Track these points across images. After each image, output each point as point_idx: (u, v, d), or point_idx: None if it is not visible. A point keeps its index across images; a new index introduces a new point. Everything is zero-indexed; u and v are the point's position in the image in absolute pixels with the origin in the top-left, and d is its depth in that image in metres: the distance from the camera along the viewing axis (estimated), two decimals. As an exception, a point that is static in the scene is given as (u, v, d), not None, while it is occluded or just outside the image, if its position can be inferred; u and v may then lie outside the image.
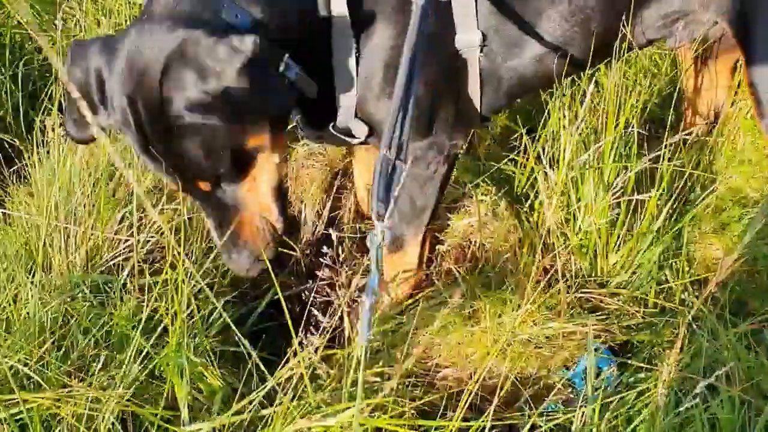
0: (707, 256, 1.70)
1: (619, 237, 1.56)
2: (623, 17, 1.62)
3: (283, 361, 1.26)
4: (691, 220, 1.70)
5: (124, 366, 1.26)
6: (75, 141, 1.45)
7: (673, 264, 1.59)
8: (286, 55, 1.34)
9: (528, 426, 1.14)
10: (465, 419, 1.14)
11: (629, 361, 1.41)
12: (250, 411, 1.18)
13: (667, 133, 1.61)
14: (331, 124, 1.55)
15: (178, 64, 1.25)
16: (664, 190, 1.58)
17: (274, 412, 1.18)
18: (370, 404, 1.18)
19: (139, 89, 1.27)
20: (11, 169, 2.02)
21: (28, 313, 1.40)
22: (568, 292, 1.48)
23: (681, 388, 1.33)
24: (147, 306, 1.35)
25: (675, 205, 1.63)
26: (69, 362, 1.33)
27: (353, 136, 1.58)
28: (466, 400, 1.08)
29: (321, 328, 1.31)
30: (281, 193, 1.45)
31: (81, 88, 1.31)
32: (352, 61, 1.47)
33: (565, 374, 1.44)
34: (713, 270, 1.61)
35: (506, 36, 1.58)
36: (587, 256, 1.57)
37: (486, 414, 1.11)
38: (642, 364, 1.37)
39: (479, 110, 1.66)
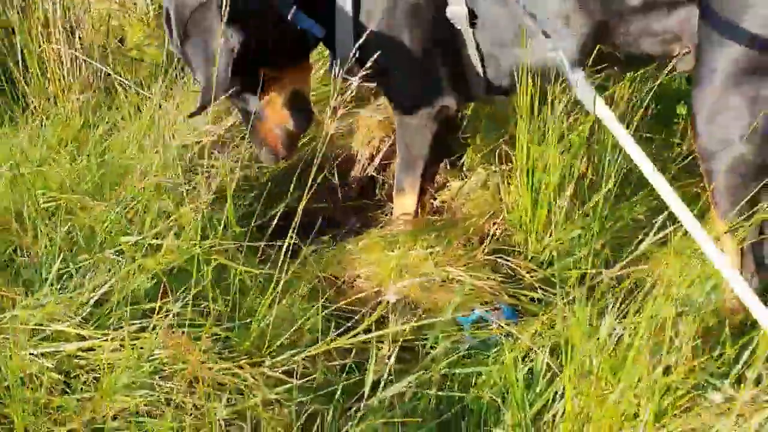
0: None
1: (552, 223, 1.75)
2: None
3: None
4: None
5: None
6: None
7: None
8: (294, 7, 1.76)
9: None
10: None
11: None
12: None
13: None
14: (330, 62, 1.93)
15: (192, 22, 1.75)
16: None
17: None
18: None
19: (179, 21, 1.76)
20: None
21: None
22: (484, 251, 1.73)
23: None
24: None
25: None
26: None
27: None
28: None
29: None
30: (296, 106, 1.88)
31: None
32: (349, 7, 1.81)
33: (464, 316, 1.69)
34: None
35: (494, 19, 1.78)
36: (522, 231, 1.78)
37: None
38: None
39: (483, 81, 1.87)
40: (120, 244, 1.64)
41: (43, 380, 1.42)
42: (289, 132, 1.92)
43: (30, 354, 1.44)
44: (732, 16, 1.58)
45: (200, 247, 1.61)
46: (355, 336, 1.46)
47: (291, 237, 1.61)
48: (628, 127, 1.58)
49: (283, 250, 1.55)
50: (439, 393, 1.47)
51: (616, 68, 1.89)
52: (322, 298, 1.60)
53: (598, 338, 1.35)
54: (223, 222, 1.68)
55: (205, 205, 1.77)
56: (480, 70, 1.87)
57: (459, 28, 1.81)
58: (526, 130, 1.73)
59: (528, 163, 1.73)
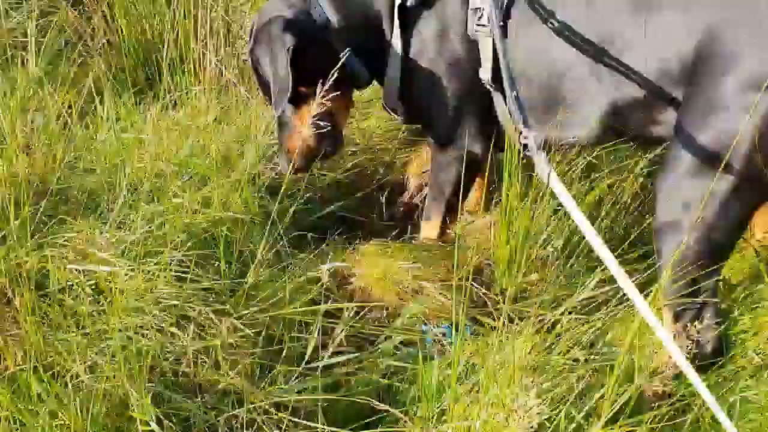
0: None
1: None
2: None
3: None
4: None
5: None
6: None
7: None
8: (348, 50, 2.09)
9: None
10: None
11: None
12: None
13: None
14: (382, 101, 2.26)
15: (260, 32, 2.13)
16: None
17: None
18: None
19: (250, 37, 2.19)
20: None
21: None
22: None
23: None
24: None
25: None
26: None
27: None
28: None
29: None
30: (326, 129, 2.09)
31: None
32: (399, 50, 2.12)
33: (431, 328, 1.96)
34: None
35: None
36: (499, 269, 2.02)
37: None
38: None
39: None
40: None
41: (78, 292, 1.86)
42: (309, 148, 2.18)
43: (74, 269, 1.89)
44: (700, 115, 1.77)
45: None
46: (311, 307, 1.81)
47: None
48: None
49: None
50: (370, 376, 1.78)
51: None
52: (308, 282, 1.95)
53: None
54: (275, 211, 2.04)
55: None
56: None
57: (489, 89, 2.10)
58: (507, 190, 1.98)
59: (507, 217, 1.99)
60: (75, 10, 3.08)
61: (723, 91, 1.74)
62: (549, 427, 1.53)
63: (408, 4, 2.08)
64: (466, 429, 1.55)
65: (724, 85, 1.74)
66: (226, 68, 2.93)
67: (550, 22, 1.94)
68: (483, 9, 1.98)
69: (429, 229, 2.31)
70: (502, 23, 1.94)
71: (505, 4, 1.98)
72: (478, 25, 2.00)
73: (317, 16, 2.14)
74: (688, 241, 1.75)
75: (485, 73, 2.05)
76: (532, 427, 1.45)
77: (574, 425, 1.55)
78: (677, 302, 1.80)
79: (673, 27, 1.82)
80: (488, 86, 2.07)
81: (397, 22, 2.11)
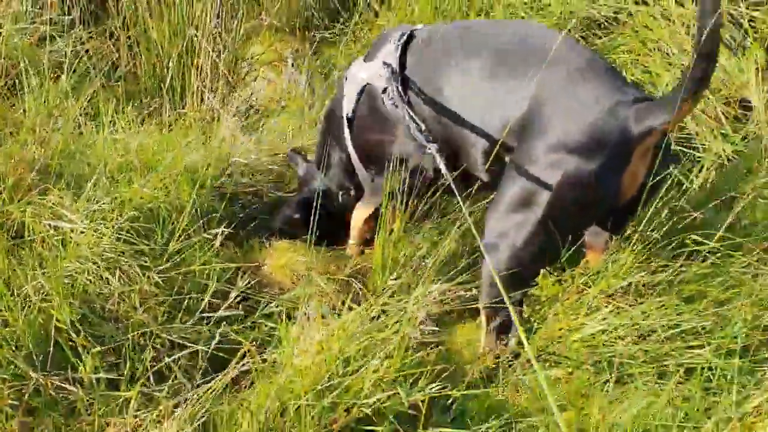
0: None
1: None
2: None
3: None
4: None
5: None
6: None
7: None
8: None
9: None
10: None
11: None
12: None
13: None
14: None
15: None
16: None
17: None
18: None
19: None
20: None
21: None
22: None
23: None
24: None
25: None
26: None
27: None
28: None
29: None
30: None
31: None
32: None
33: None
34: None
35: None
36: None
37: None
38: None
39: None
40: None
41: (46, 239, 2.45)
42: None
43: (47, 223, 2.47)
44: (519, 165, 2.26)
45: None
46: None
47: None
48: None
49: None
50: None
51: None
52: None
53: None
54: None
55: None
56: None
57: None
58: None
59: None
60: (106, 40, 3.75)
61: (536, 148, 2.20)
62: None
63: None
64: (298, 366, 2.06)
65: (538, 145, 2.20)
66: (215, 103, 3.57)
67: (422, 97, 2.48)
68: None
69: (350, 248, 2.86)
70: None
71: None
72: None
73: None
74: (503, 260, 2.24)
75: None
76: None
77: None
78: (492, 308, 2.28)
79: (511, 96, 2.30)
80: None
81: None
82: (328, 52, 3.99)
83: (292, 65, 4.13)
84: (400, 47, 2.54)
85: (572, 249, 2.21)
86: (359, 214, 2.81)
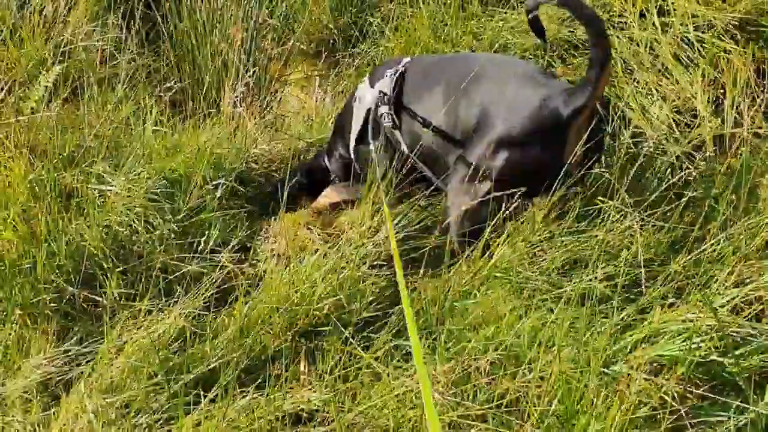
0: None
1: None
2: None
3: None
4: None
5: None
6: None
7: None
8: None
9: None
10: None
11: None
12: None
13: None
14: None
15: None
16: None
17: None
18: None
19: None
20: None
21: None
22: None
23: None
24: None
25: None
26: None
27: None
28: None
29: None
30: None
31: None
32: None
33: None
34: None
35: None
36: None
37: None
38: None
39: None
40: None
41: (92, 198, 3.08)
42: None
43: (92, 187, 3.10)
44: (472, 150, 2.80)
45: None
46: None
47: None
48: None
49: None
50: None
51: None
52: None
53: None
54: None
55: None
56: None
57: None
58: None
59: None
60: (157, 57, 4.45)
61: (482, 143, 2.76)
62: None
63: None
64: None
65: (485, 141, 2.75)
66: (243, 111, 4.20)
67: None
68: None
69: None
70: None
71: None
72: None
73: None
74: (463, 219, 2.78)
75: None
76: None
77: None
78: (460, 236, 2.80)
79: (468, 106, 2.88)
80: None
81: None
82: (347, 72, 4.59)
83: (318, 85, 4.76)
84: (394, 81, 3.18)
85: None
86: (331, 195, 3.41)
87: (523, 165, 2.70)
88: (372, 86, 3.27)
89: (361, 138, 3.33)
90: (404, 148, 3.12)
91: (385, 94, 3.16)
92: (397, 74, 3.17)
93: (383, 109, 3.16)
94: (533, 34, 2.99)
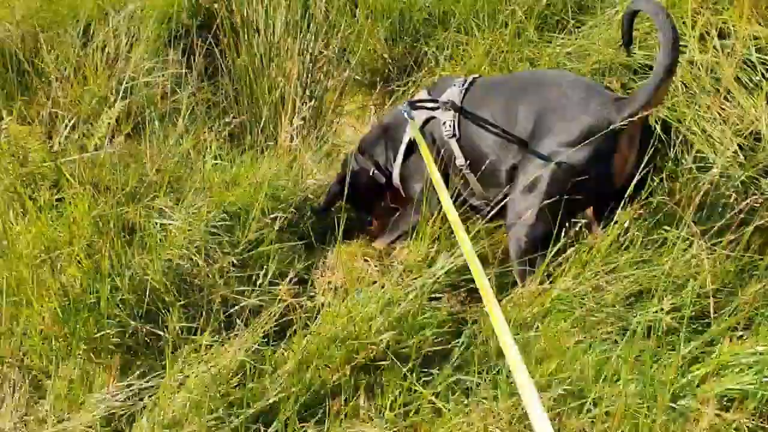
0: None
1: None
2: None
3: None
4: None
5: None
6: None
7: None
8: None
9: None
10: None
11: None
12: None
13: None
14: None
15: None
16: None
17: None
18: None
19: None
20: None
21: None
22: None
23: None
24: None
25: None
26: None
27: None
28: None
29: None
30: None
31: None
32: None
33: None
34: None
35: None
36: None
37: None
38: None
39: None
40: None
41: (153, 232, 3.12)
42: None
43: (154, 221, 3.15)
44: (529, 159, 2.79)
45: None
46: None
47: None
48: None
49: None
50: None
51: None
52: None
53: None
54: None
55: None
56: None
57: None
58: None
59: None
60: (215, 89, 4.52)
61: (538, 148, 2.76)
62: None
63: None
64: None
65: (539, 145, 2.76)
66: (299, 143, 4.24)
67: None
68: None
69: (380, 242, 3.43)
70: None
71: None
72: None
73: None
74: (520, 233, 2.77)
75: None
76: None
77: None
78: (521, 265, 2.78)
79: (524, 113, 2.88)
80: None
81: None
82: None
83: (374, 113, 4.77)
84: (462, 91, 3.19)
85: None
86: (382, 241, 3.42)
87: (574, 170, 2.68)
88: (434, 95, 3.31)
89: (410, 152, 3.34)
90: (460, 160, 3.11)
91: (452, 102, 3.17)
92: (466, 84, 3.21)
93: (447, 116, 3.16)
94: (622, 39, 3.00)
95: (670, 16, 2.59)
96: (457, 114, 3.14)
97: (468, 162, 3.08)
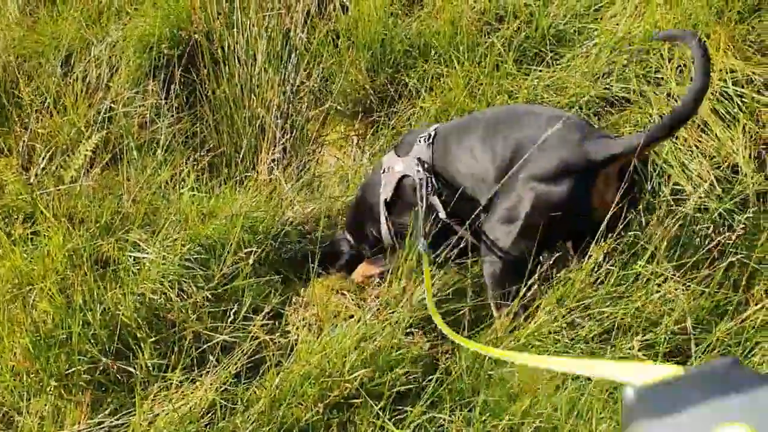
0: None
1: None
2: None
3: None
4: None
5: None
6: None
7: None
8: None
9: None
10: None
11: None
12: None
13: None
14: None
15: None
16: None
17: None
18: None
19: None
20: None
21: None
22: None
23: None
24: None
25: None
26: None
27: None
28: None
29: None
30: None
31: None
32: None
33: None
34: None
35: None
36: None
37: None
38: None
39: None
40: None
41: (127, 265, 3.10)
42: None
43: (128, 254, 3.12)
44: (506, 190, 2.78)
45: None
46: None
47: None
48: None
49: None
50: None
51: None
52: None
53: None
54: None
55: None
56: None
57: None
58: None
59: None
60: (195, 119, 4.51)
61: (516, 180, 2.74)
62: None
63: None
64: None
65: (518, 178, 2.74)
66: (279, 174, 4.23)
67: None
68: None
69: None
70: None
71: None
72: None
73: None
74: (496, 263, 2.76)
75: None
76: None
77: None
78: (496, 297, 2.76)
79: (505, 141, 2.88)
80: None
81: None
82: (384, 132, 4.60)
83: (356, 144, 4.77)
84: (430, 145, 3.17)
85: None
86: (366, 270, 3.40)
87: (549, 203, 2.67)
88: (398, 155, 3.27)
89: (390, 209, 3.31)
90: (442, 214, 3.08)
91: (422, 160, 3.13)
92: (430, 139, 3.18)
93: (421, 175, 3.13)
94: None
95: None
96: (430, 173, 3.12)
97: (450, 211, 3.04)
